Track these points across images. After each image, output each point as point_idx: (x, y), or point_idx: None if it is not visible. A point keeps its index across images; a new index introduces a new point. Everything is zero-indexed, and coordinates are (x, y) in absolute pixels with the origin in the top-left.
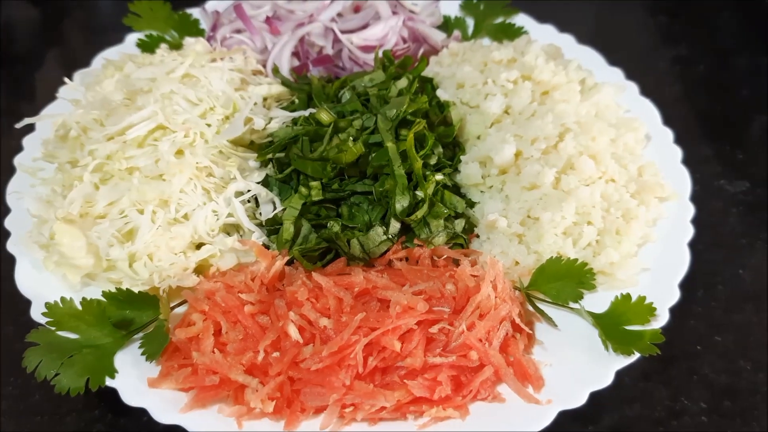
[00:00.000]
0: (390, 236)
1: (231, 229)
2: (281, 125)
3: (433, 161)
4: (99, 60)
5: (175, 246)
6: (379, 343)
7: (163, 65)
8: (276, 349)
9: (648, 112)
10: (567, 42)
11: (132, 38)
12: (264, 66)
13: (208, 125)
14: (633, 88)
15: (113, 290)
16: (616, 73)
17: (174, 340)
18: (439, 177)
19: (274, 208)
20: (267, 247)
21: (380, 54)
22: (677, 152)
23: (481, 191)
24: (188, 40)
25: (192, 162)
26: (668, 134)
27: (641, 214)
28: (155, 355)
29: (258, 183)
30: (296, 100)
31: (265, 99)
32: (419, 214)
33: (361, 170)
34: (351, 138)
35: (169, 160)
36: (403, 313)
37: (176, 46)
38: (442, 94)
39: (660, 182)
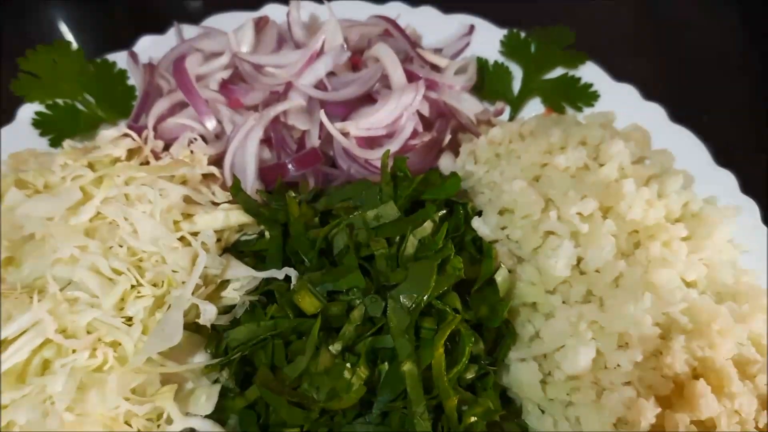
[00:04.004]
0: None
1: None
2: (242, 295)
3: (470, 374)
4: None
5: None
6: None
7: (64, 192)
8: None
9: None
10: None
11: (27, 113)
12: (219, 164)
13: (129, 324)
14: (752, 208)
15: None
16: (727, 180)
17: None
18: (476, 419)
19: None
20: None
21: (389, 162)
22: None
23: (540, 408)
24: (103, 135)
25: (102, 412)
26: None
27: None
28: None
29: (206, 418)
30: (267, 233)
31: (221, 231)
32: None
33: (362, 399)
34: (348, 366)
35: (63, 416)
36: None
37: (93, 121)
38: (481, 229)
39: None
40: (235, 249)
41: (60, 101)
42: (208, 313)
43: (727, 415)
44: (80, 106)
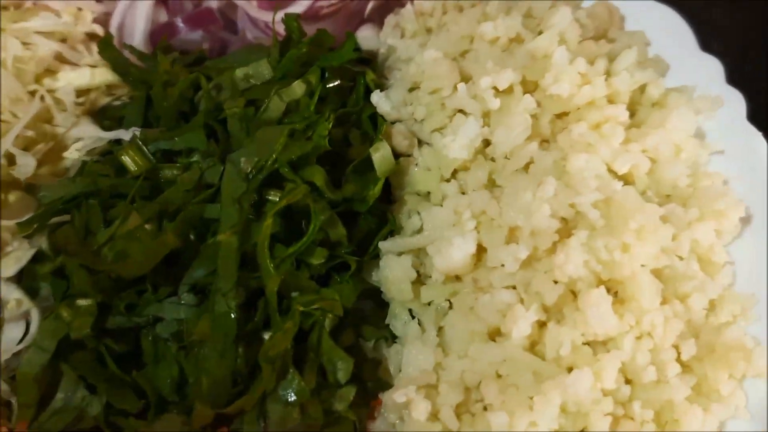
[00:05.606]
0: None
1: None
2: (81, 154)
3: (317, 260)
4: None
5: None
6: None
7: None
8: None
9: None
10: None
11: None
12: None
13: None
14: (737, 102)
15: None
16: (711, 68)
17: None
18: (305, 307)
19: (26, 333)
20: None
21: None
22: None
23: (412, 314)
24: None
25: None
26: None
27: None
28: None
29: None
30: None
31: (87, 91)
32: (246, 403)
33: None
34: (148, 227)
35: None
36: None
37: None
38: (381, 105)
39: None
40: (102, 115)
41: None
42: (25, 167)
43: (634, 337)
44: None
